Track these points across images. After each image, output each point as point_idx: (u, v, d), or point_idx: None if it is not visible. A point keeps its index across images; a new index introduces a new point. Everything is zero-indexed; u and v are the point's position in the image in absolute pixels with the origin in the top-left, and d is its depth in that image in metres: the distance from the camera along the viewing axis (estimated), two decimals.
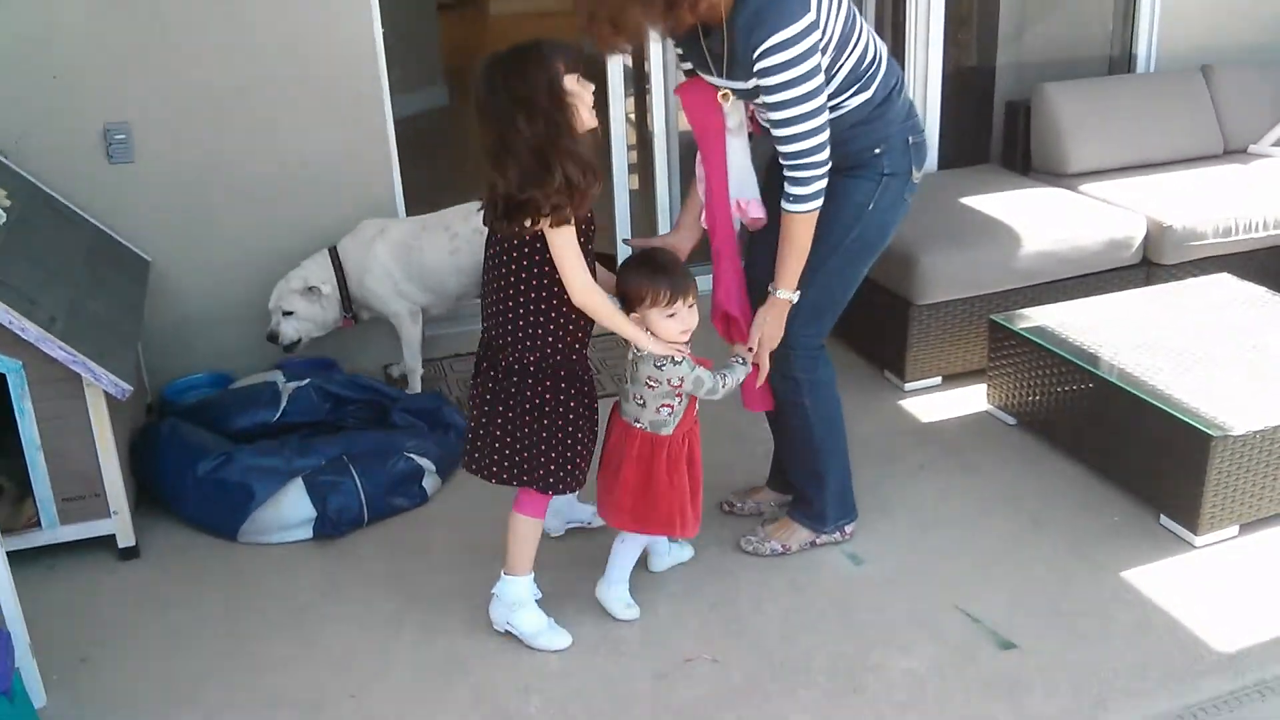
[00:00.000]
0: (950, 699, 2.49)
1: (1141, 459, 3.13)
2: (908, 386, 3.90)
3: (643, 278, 2.56)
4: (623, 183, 4.70)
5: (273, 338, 3.65)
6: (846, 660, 2.63)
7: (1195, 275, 3.97)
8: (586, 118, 2.36)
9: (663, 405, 2.60)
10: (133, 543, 3.08)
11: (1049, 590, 2.84)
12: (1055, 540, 3.05)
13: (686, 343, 2.61)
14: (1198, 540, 2.99)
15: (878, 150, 2.71)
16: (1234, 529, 3.02)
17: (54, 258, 3.16)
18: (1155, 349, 3.33)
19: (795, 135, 2.50)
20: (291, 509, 3.10)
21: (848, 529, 3.05)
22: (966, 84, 4.95)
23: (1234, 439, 2.89)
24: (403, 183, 4.09)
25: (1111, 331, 3.46)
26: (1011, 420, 3.64)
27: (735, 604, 2.82)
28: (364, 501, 3.14)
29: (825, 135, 2.52)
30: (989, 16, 4.96)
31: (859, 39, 2.59)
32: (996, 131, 4.93)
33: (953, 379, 3.94)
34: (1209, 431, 2.89)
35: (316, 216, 3.85)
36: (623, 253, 4.73)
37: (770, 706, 2.49)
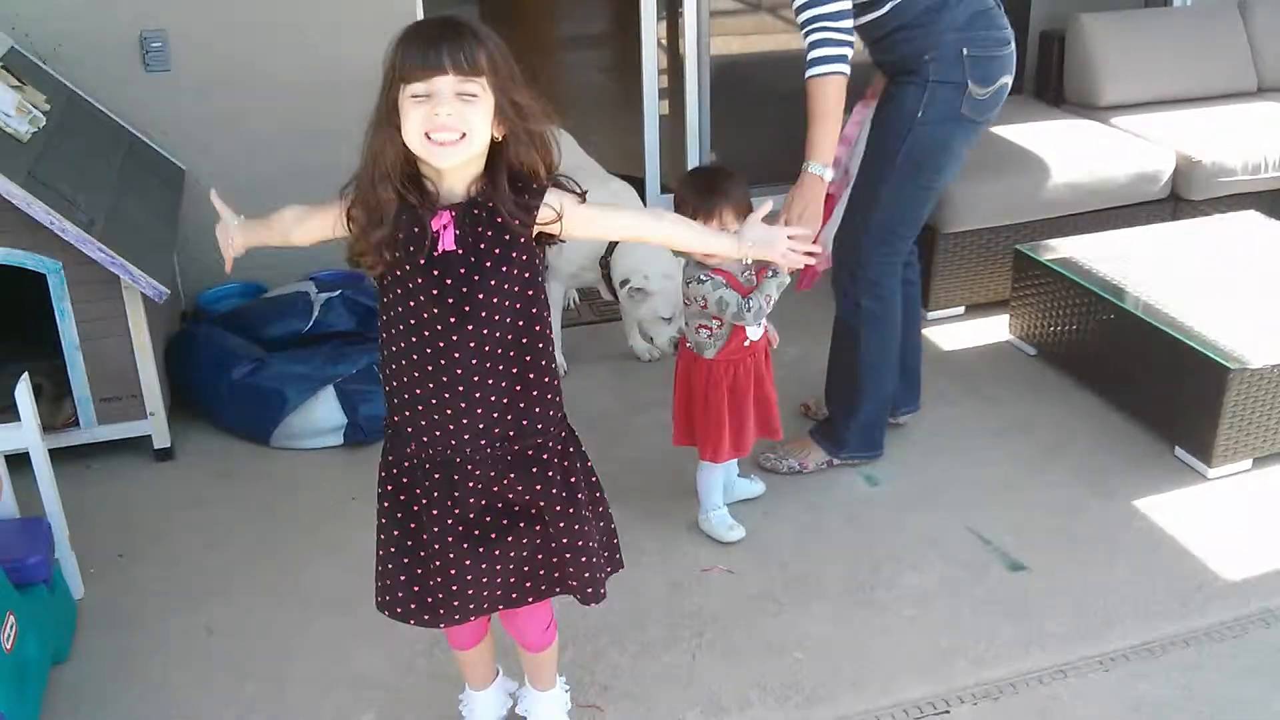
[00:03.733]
0: (958, 614, 2.56)
1: (1159, 390, 3.16)
2: (930, 315, 3.92)
3: (681, 190, 2.58)
4: (653, 108, 4.69)
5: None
6: (858, 574, 2.70)
7: (1223, 212, 3.96)
8: (417, 144, 1.67)
9: (700, 326, 2.61)
10: (168, 444, 3.17)
11: (1060, 516, 2.90)
12: (1069, 469, 3.10)
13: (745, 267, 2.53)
14: (1211, 472, 3.03)
15: (926, 57, 2.64)
16: (1247, 462, 3.05)
17: (92, 163, 3.21)
18: (1178, 283, 3.35)
19: (807, 4, 2.48)
20: (324, 415, 3.17)
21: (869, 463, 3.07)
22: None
23: (1251, 372, 2.91)
24: None
25: (1136, 265, 3.47)
26: (1032, 351, 3.67)
27: (752, 518, 2.88)
28: None
29: (836, 4, 2.47)
30: None
31: None
32: (1030, 62, 4.89)
33: (976, 309, 3.96)
34: (1226, 364, 2.91)
35: (348, 128, 3.84)
36: (652, 175, 4.76)
37: (784, 616, 2.56)
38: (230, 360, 3.24)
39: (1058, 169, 3.87)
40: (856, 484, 3.04)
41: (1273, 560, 2.72)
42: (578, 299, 4.04)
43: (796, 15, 2.52)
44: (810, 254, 2.02)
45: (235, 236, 1.93)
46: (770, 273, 2.53)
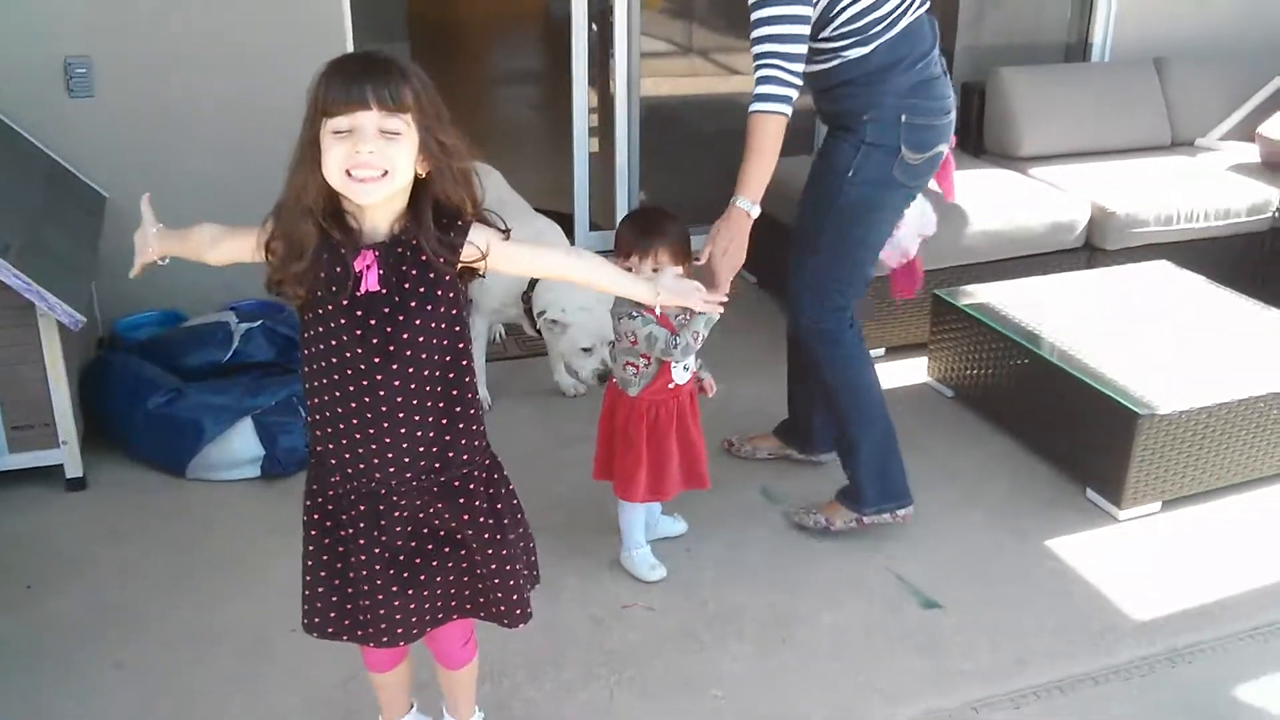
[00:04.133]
0: (874, 652, 2.59)
1: (1072, 434, 3.24)
2: None
3: (620, 229, 2.60)
4: (583, 146, 4.72)
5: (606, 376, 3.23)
6: (777, 613, 2.71)
7: (1136, 261, 4.08)
8: (338, 181, 1.64)
9: (628, 363, 2.62)
10: (80, 474, 3.11)
11: (975, 556, 2.95)
12: (985, 509, 3.15)
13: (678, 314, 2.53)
14: (1121, 514, 3.10)
15: (866, 117, 2.64)
16: (1156, 504, 3.13)
17: (10, 188, 3.16)
18: (1091, 330, 3.44)
19: (758, 21, 2.48)
20: (241, 447, 3.13)
21: (900, 513, 2.97)
22: None
23: (1159, 418, 3.00)
24: None
25: (1050, 311, 3.56)
26: (950, 393, 3.75)
27: (674, 556, 2.89)
28: None
29: (792, 46, 2.47)
30: (949, 1, 5.03)
31: None
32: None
33: (896, 350, 4.04)
34: (1136, 410, 3.00)
35: (275, 156, 3.83)
36: (580, 212, 4.78)
37: (704, 654, 2.57)
38: (147, 389, 3.19)
39: (976, 217, 3.97)
40: (777, 523, 3.07)
41: (1180, 600, 2.79)
42: (504, 333, 4.05)
43: (752, 46, 2.53)
44: (720, 302, 2.15)
45: (151, 241, 1.89)
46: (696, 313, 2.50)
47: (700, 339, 2.54)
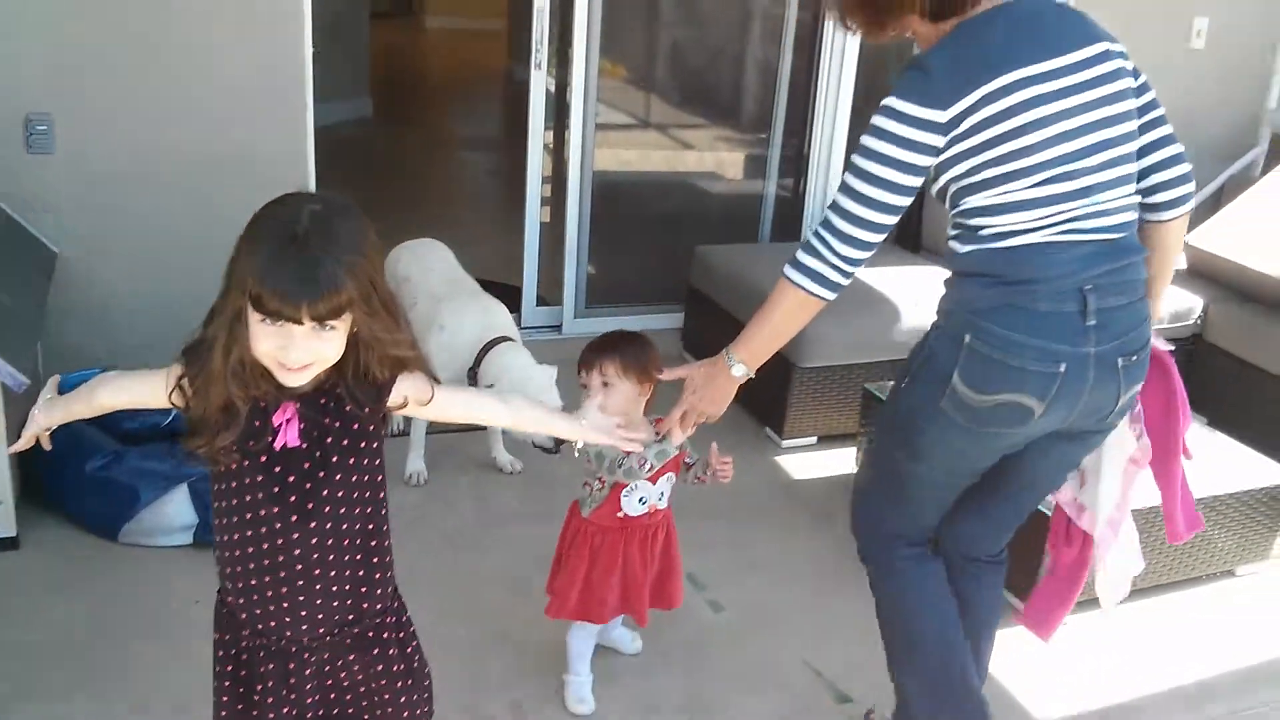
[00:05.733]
0: None
1: None
2: (785, 444, 4.10)
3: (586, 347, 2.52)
4: (534, 216, 4.76)
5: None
6: (699, 701, 2.79)
7: None
8: (265, 361, 1.58)
9: (585, 481, 2.57)
10: (13, 533, 3.12)
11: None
12: None
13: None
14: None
15: (941, 320, 2.18)
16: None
17: None
18: None
19: (835, 199, 2.09)
20: (175, 514, 3.16)
21: None
22: None
23: None
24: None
25: None
26: None
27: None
28: None
29: (856, 229, 2.04)
30: None
31: (1000, 195, 2.01)
32: None
33: (827, 440, 4.15)
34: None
35: (228, 222, 3.91)
36: (529, 285, 4.86)
37: None
38: (85, 451, 3.21)
39: (907, 312, 4.11)
40: (702, 611, 3.14)
41: (1083, 701, 2.89)
42: None
43: (827, 207, 2.15)
44: (634, 440, 1.98)
45: (38, 416, 1.80)
46: (658, 436, 2.40)
47: (646, 466, 2.38)
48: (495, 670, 2.84)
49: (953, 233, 2.16)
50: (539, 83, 4.55)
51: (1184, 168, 2.21)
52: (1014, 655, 3.05)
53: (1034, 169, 1.99)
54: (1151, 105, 2.16)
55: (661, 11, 5.30)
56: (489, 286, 3.83)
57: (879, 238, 2.09)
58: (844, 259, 2.08)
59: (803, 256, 2.11)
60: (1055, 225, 2.03)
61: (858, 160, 2.04)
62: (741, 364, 2.22)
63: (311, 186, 4.10)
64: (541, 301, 4.88)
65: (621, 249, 5.12)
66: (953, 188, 2.08)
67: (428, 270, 3.68)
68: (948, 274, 2.19)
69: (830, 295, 2.12)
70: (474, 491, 3.67)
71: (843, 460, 4.02)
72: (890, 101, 2.01)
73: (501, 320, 3.53)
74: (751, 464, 3.95)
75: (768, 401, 4.16)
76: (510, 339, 3.45)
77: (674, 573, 2.69)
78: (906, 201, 2.06)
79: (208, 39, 3.80)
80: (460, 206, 6.86)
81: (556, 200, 4.98)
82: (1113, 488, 2.42)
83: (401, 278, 3.70)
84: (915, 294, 4.24)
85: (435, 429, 3.76)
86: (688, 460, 2.59)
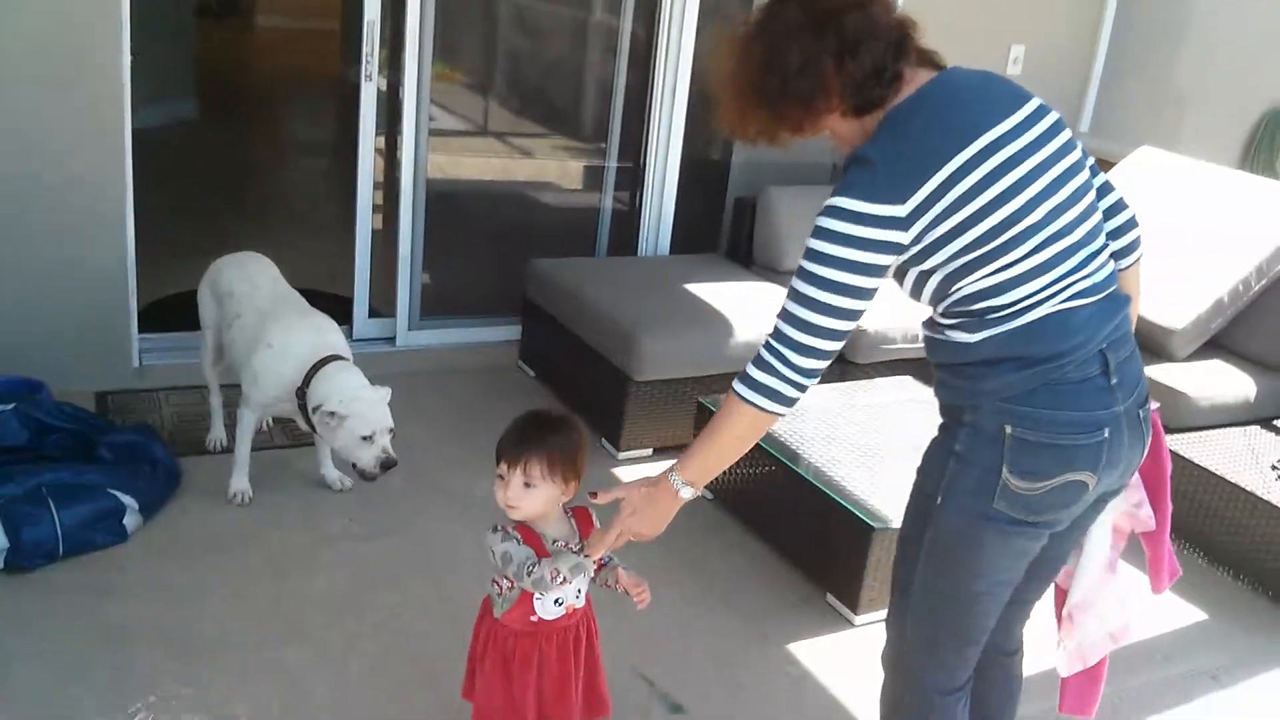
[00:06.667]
0: None
1: (815, 542, 3.46)
2: (621, 455, 4.13)
3: (506, 430, 2.23)
4: (366, 225, 4.67)
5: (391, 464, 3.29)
6: None
7: (885, 375, 4.39)
8: None
9: (494, 579, 2.26)
10: None
11: (721, 658, 3.10)
12: (733, 612, 3.32)
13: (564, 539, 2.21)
14: (857, 619, 3.32)
15: (965, 416, 2.01)
16: (885, 610, 3.36)
17: None
18: (837, 441, 3.69)
19: (785, 308, 1.95)
20: None
21: None
22: (703, 177, 5.29)
23: (891, 531, 3.23)
24: (136, 200, 4.01)
25: (803, 423, 3.79)
26: (710, 496, 3.93)
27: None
28: (60, 536, 3.07)
29: (813, 339, 1.91)
30: None
31: (999, 271, 1.89)
32: (726, 225, 5.29)
33: (662, 451, 4.20)
34: (871, 523, 3.23)
35: (44, 234, 3.75)
36: (360, 296, 4.76)
37: None
38: None
39: (739, 327, 4.20)
40: None
41: None
42: (270, 423, 4.00)
43: (777, 315, 1.98)
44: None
45: None
46: (578, 545, 2.22)
47: (560, 578, 2.12)
48: (320, 693, 2.77)
49: (951, 322, 1.98)
50: (370, 91, 4.46)
51: (1130, 211, 2.16)
52: (840, 660, 3.14)
53: (1027, 233, 1.87)
54: (1085, 154, 2.05)
55: (498, 17, 5.27)
56: (318, 297, 3.76)
57: (838, 346, 1.94)
58: (801, 371, 1.93)
59: (755, 372, 1.96)
60: (1062, 290, 1.91)
61: (809, 266, 1.89)
62: (689, 486, 2.05)
63: (129, 196, 3.95)
64: (374, 313, 4.79)
65: (457, 259, 5.07)
66: (936, 277, 1.93)
67: (254, 286, 3.57)
68: (948, 368, 2.03)
69: (784, 412, 1.98)
70: (302, 510, 3.58)
71: None
72: (838, 201, 1.87)
73: (332, 338, 3.45)
74: (588, 475, 3.94)
75: (604, 413, 4.19)
76: (341, 358, 3.38)
77: (598, 672, 2.43)
78: (866, 306, 1.91)
79: (14, 42, 3.63)
80: (289, 213, 6.69)
81: (389, 208, 4.89)
82: (1103, 543, 2.27)
83: (225, 293, 3.59)
84: (748, 309, 4.33)
85: (259, 444, 3.66)
86: (603, 560, 2.31)
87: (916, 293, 2.00)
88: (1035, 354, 1.91)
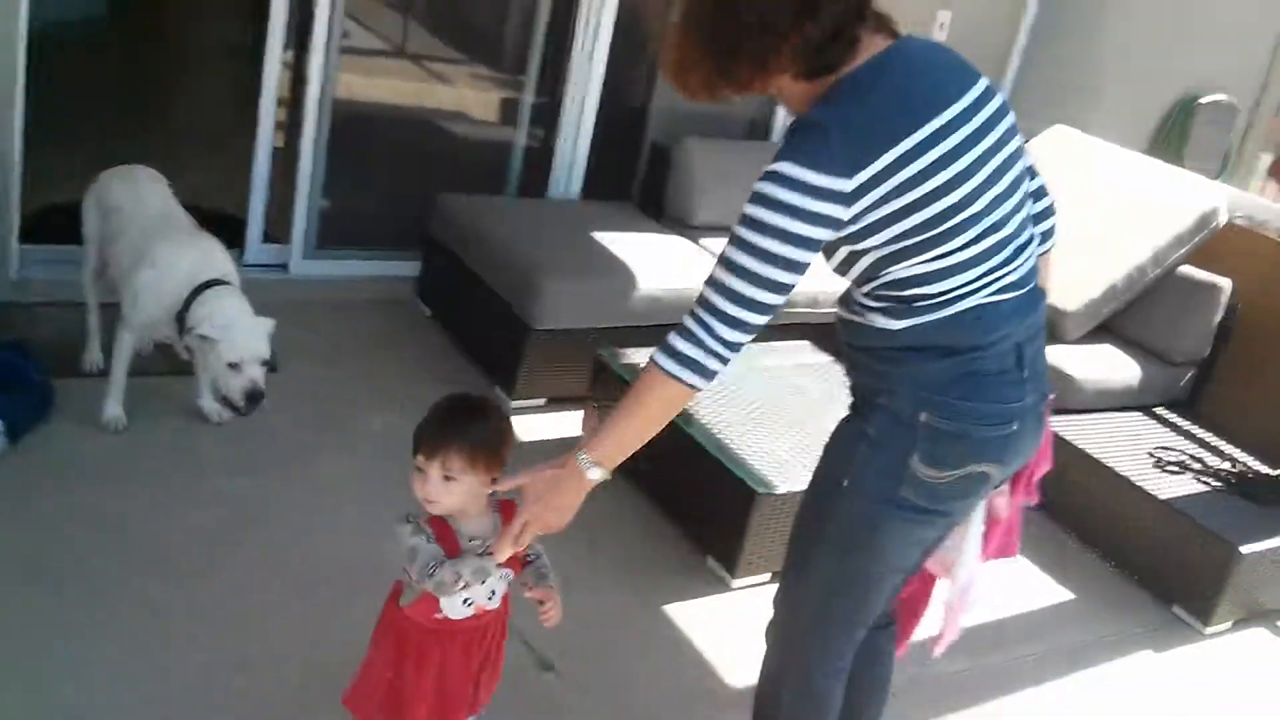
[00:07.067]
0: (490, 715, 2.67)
1: (700, 505, 3.47)
2: (514, 404, 4.07)
3: (425, 416, 2.07)
4: (266, 144, 4.49)
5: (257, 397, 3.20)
6: None
7: (782, 340, 4.38)
8: None
9: (403, 567, 2.06)
10: None
11: (599, 618, 3.08)
12: (616, 572, 3.31)
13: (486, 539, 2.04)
14: (735, 582, 3.34)
15: (880, 400, 1.98)
16: (766, 575, 3.39)
17: None
18: (730, 404, 3.68)
19: (714, 276, 1.86)
20: None
21: None
22: (621, 121, 5.18)
23: (775, 497, 3.25)
24: (27, 107, 3.80)
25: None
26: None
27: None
28: None
29: (744, 312, 1.83)
30: (650, 60, 5.23)
31: (934, 260, 1.85)
32: (640, 173, 5.22)
33: (557, 402, 4.15)
34: (755, 487, 3.24)
35: None
36: (254, 219, 4.58)
37: None
38: None
39: (643, 280, 4.16)
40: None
41: None
42: (152, 348, 3.83)
43: (704, 283, 1.89)
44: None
45: None
46: (483, 551, 2.05)
47: (460, 582, 1.98)
48: (189, 630, 2.71)
49: (874, 305, 1.94)
50: None
51: (1050, 199, 2.15)
52: (716, 623, 3.17)
53: (968, 223, 1.83)
54: (1022, 139, 2.00)
55: None
56: (209, 216, 3.62)
57: (765, 320, 1.86)
58: (726, 344, 1.84)
59: (677, 342, 1.86)
60: (992, 283, 1.90)
61: (744, 233, 1.80)
62: (598, 466, 1.93)
63: (19, 101, 3.74)
64: (268, 238, 4.63)
65: (360, 187, 4.91)
66: (869, 258, 1.88)
67: (141, 202, 3.43)
68: (865, 351, 2.00)
69: (704, 386, 1.88)
70: (177, 440, 3.47)
71: (571, 423, 4.04)
72: (782, 167, 1.77)
73: (219, 262, 3.33)
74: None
75: (499, 360, 4.13)
76: (226, 283, 3.26)
77: (495, 674, 2.29)
78: (798, 279, 1.82)
79: None
80: (190, 123, 6.41)
81: (292, 126, 4.69)
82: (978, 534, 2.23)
83: (111, 207, 3.44)
84: (654, 261, 4.29)
85: (137, 369, 3.52)
86: (529, 557, 2.21)
87: (844, 270, 1.94)
88: (957, 345, 1.91)
